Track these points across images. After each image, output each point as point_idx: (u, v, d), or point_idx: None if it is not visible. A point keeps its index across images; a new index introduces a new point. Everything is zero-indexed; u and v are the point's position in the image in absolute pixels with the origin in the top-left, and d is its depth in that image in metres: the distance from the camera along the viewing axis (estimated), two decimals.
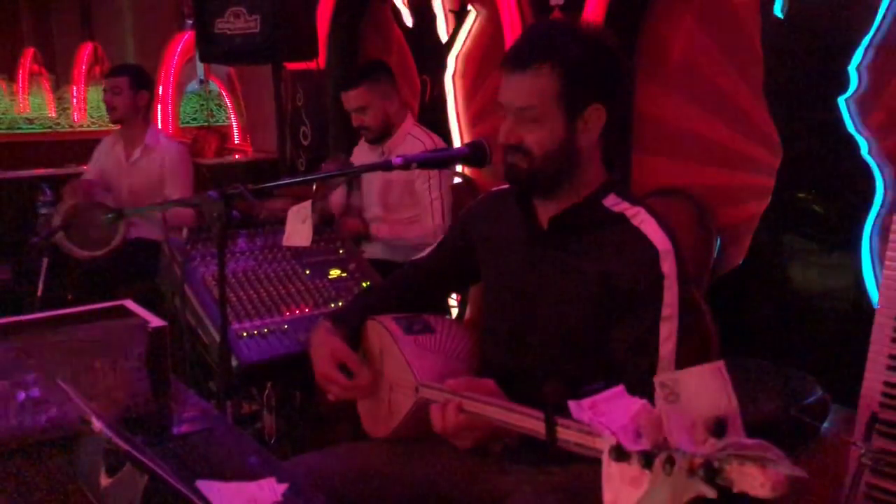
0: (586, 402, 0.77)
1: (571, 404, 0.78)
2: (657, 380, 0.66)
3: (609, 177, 1.48)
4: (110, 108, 3.56)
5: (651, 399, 1.31)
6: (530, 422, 1.10)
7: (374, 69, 3.09)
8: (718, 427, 0.64)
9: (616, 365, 1.39)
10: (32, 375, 1.29)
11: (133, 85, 3.53)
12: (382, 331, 1.58)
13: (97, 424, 1.02)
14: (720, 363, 0.65)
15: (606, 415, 0.74)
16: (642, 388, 1.33)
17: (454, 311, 3.32)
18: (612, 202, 1.44)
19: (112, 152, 3.68)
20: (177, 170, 3.55)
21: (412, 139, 2.99)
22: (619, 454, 0.68)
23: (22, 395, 1.29)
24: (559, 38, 1.39)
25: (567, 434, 0.99)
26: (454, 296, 3.32)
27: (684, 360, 1.39)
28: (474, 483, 1.50)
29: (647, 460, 0.66)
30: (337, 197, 3.19)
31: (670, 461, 0.64)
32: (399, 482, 1.52)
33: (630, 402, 0.73)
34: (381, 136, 3.02)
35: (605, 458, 0.70)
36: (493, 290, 1.61)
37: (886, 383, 1.97)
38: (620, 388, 0.77)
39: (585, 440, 0.94)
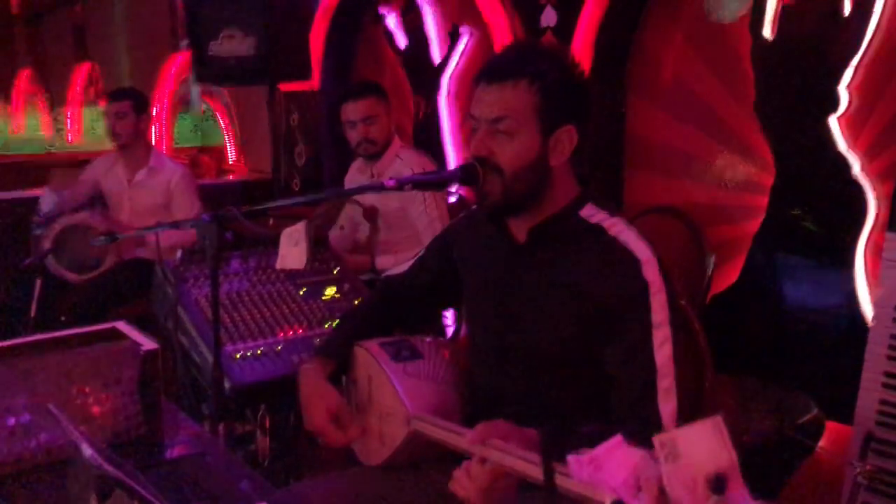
0: (586, 457, 0.77)
1: (571, 460, 0.78)
2: (655, 439, 0.66)
3: (583, 190, 1.47)
4: (115, 134, 3.51)
5: (655, 411, 1.31)
6: (529, 467, 1.06)
7: (378, 85, 3.11)
8: (718, 483, 0.64)
9: (612, 380, 1.37)
10: (23, 400, 1.28)
11: (136, 109, 3.52)
12: (369, 358, 1.55)
13: (87, 449, 1.02)
14: (718, 418, 0.65)
15: (606, 469, 0.74)
16: (641, 402, 1.33)
17: (449, 331, 3.32)
18: (588, 213, 1.43)
19: (111, 174, 3.67)
20: (185, 192, 3.55)
21: (401, 161, 2.99)
22: None
23: (12, 421, 1.28)
24: (538, 56, 1.41)
25: (566, 482, 0.96)
26: (448, 315, 3.31)
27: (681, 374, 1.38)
28: None
29: None
30: (337, 238, 3.16)
31: None
32: None
33: (629, 454, 0.73)
34: (380, 151, 3.02)
35: None
36: (474, 309, 1.60)
37: (882, 401, 1.97)
38: (619, 438, 0.76)
39: (585, 489, 0.91)
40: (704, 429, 0.65)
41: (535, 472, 1.04)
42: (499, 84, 1.37)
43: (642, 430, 1.34)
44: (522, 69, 1.36)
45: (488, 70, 1.41)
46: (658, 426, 1.32)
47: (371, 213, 2.94)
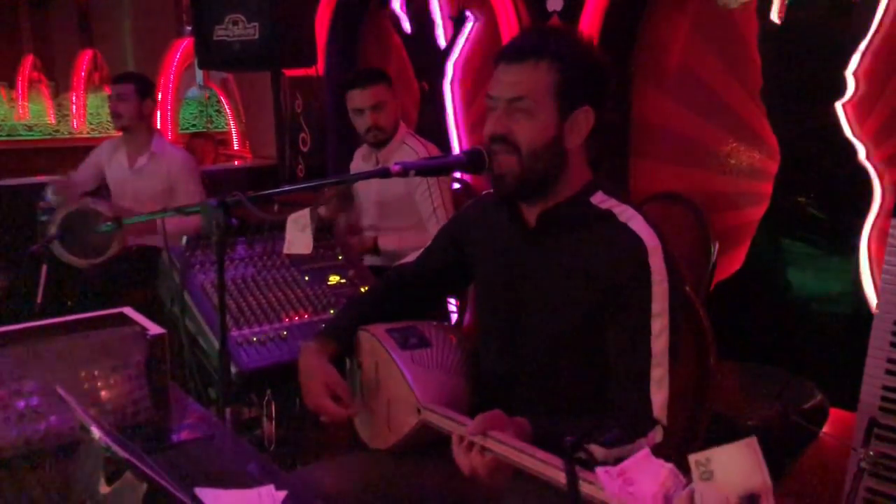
0: (615, 470, 0.77)
1: (600, 472, 0.78)
2: (691, 458, 0.67)
3: (595, 176, 1.48)
4: (116, 115, 3.52)
5: (647, 399, 1.32)
6: (551, 470, 1.06)
7: (384, 72, 3.10)
8: (752, 503, 0.65)
9: (610, 366, 1.39)
10: (32, 384, 1.30)
11: (139, 92, 3.51)
12: (376, 345, 1.55)
13: (96, 432, 1.03)
14: (753, 439, 0.66)
15: (636, 483, 0.75)
16: (634, 388, 1.34)
17: (453, 317, 3.33)
18: (599, 199, 1.44)
19: (114, 159, 3.66)
20: (186, 178, 3.53)
21: (407, 148, 2.99)
22: None
23: (22, 404, 1.29)
24: (557, 38, 1.41)
25: (591, 490, 0.95)
26: (453, 301, 3.32)
27: (682, 365, 1.39)
28: (475, 495, 1.50)
29: None
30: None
31: None
32: (399, 494, 1.52)
33: (657, 467, 0.74)
34: (388, 138, 3.01)
35: None
36: (484, 295, 1.60)
37: (885, 387, 1.97)
38: (646, 451, 0.77)
39: (611, 500, 0.91)
40: (739, 449, 0.66)
41: (551, 472, 1.05)
42: (519, 64, 1.38)
43: (633, 415, 1.36)
44: (543, 50, 1.37)
45: (509, 50, 1.42)
46: (649, 414, 1.34)
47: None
